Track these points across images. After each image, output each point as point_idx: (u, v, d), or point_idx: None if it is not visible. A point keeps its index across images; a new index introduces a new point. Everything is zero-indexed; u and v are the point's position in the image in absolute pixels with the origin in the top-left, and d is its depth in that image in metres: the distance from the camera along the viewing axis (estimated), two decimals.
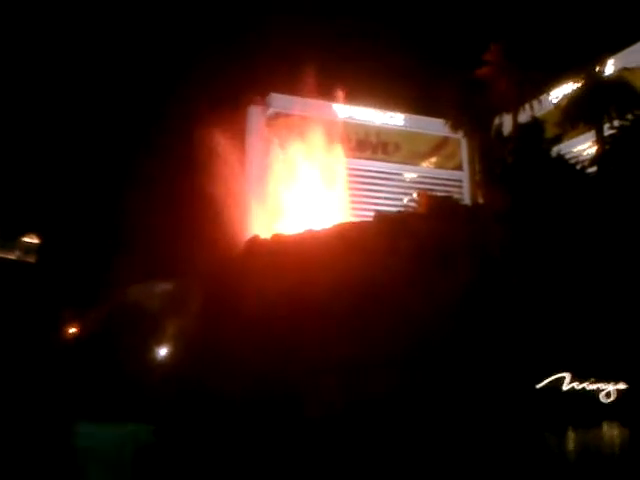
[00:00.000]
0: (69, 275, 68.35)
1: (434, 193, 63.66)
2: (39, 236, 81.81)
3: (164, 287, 56.73)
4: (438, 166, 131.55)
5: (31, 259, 78.67)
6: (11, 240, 79.05)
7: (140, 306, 53.26)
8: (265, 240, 49.70)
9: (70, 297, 64.03)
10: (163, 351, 52.38)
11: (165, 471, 17.29)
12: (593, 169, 44.75)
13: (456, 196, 63.75)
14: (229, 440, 23.89)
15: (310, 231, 46.76)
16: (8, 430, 26.64)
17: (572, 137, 54.58)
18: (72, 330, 64.26)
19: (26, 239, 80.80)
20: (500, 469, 17.44)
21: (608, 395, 31.40)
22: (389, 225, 43.72)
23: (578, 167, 44.56)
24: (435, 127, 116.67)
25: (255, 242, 50.24)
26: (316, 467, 16.35)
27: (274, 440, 22.95)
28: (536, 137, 46.63)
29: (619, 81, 53.38)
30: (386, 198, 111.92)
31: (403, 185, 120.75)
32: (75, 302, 63.87)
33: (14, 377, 45.88)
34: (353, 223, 48.13)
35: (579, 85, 54.10)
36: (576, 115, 52.79)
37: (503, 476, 16.40)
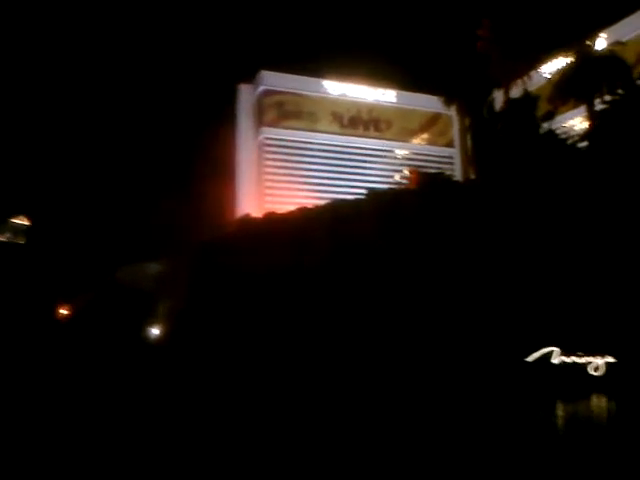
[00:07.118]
0: (59, 256, 68.08)
1: (425, 170, 63.52)
2: (29, 218, 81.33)
3: (155, 267, 56.76)
4: (430, 143, 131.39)
5: (21, 240, 78.28)
6: (1, 222, 78.58)
7: (131, 287, 53.24)
8: (256, 219, 49.64)
9: (61, 278, 63.84)
10: (154, 331, 52.49)
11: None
12: (584, 144, 44.65)
13: (448, 173, 63.50)
14: (221, 418, 23.99)
15: (302, 209, 46.73)
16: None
17: (563, 112, 54.31)
18: (63, 311, 64.22)
19: (16, 221, 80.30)
20: (491, 442, 17.63)
21: (597, 368, 31.77)
22: (381, 202, 43.69)
23: (569, 142, 44.49)
24: (427, 103, 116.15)
25: (246, 221, 50.23)
26: (315, 450, 16.37)
27: (266, 420, 23.05)
28: (528, 112, 46.48)
29: (610, 55, 53.07)
30: (378, 175, 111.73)
31: (395, 162, 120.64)
32: (66, 283, 63.72)
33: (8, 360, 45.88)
34: (345, 200, 48.01)
35: (570, 60, 53.75)
36: (567, 90, 52.51)
37: (494, 449, 16.58)
